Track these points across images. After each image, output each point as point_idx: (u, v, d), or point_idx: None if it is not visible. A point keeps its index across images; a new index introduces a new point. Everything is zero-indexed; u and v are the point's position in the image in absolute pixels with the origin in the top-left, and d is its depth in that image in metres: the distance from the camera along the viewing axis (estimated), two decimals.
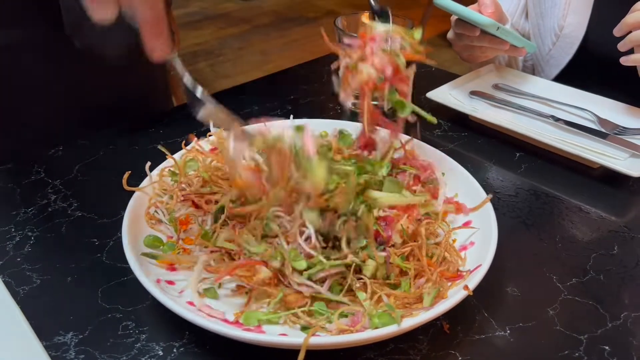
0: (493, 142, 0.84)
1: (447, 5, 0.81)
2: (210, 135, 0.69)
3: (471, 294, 0.50)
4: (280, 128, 0.57)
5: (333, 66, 0.62)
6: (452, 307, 0.49)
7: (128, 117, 0.89)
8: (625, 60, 0.81)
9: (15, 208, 0.68)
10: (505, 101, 0.90)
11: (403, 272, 0.55)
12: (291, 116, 0.76)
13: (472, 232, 0.61)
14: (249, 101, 0.93)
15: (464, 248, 0.59)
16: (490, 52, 0.92)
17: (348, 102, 0.86)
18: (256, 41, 3.56)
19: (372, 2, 0.73)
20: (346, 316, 0.51)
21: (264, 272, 0.53)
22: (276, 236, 0.55)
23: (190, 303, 0.53)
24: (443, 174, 0.67)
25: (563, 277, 0.60)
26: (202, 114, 0.55)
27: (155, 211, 0.62)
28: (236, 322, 0.51)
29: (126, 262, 0.52)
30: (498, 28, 0.81)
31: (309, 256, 0.53)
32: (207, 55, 3.33)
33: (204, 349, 0.51)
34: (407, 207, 0.59)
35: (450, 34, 0.94)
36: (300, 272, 0.53)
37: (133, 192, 0.61)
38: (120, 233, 0.56)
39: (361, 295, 0.52)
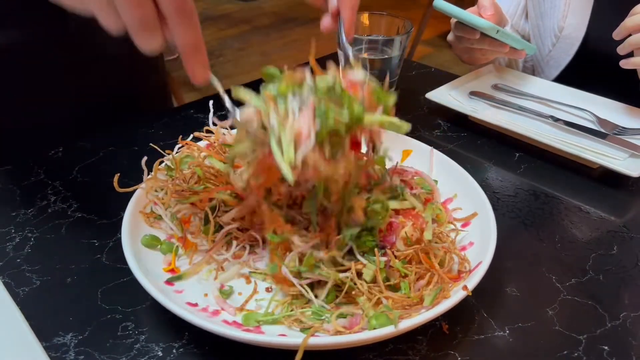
0: (492, 143, 0.84)
1: (447, 8, 0.81)
2: (208, 132, 0.69)
3: (470, 294, 0.50)
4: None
5: None
6: (451, 307, 0.49)
7: (128, 118, 0.89)
8: (625, 63, 0.81)
9: (15, 209, 0.68)
10: (504, 101, 0.90)
11: (404, 275, 0.55)
12: None
13: (471, 233, 0.61)
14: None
15: (463, 248, 0.59)
16: (491, 54, 0.92)
17: None
18: (256, 42, 3.57)
19: (350, 54, 0.72)
20: (345, 317, 0.51)
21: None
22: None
23: (191, 304, 0.53)
24: (436, 181, 0.67)
25: (562, 277, 0.60)
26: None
27: (152, 209, 0.62)
28: (235, 323, 0.51)
29: (126, 263, 0.53)
30: (498, 31, 0.81)
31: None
32: (208, 56, 3.30)
33: (203, 350, 0.51)
34: (413, 215, 0.59)
35: (450, 37, 0.94)
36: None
37: (132, 193, 0.61)
38: (120, 234, 0.56)
39: (360, 298, 0.52)
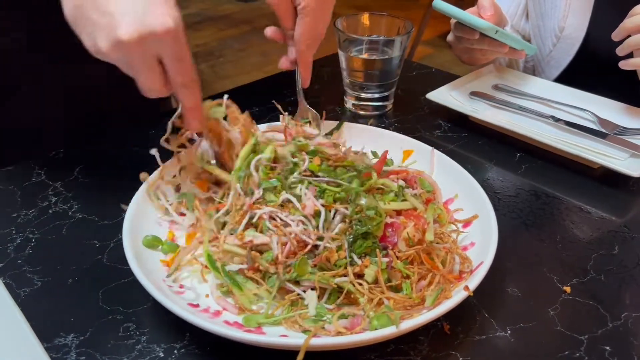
0: (493, 143, 0.84)
1: (446, 9, 0.81)
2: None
3: (471, 294, 0.50)
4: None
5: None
6: (453, 307, 0.49)
7: (128, 119, 0.89)
8: (624, 64, 0.80)
9: (16, 210, 0.68)
10: (505, 102, 0.90)
11: (406, 276, 0.55)
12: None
13: (472, 233, 0.61)
14: (249, 102, 0.93)
15: (465, 249, 0.59)
16: (490, 54, 0.92)
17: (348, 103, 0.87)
18: (256, 42, 3.57)
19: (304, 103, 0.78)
20: (346, 317, 0.51)
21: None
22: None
23: (192, 305, 0.53)
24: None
25: (563, 278, 0.60)
26: None
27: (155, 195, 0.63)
28: (236, 324, 0.51)
29: (127, 263, 0.53)
30: (497, 31, 0.81)
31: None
32: (208, 57, 3.33)
33: (204, 351, 0.51)
34: (415, 215, 0.59)
35: (450, 37, 0.94)
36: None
37: (134, 193, 0.62)
38: (121, 235, 0.56)
39: (361, 299, 0.52)
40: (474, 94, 0.91)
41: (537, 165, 0.79)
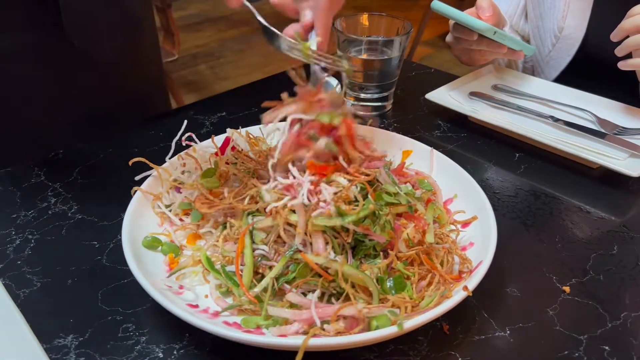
0: (492, 143, 0.84)
1: (444, 10, 0.81)
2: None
3: (470, 294, 0.50)
4: None
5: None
6: (452, 308, 0.49)
7: (127, 120, 0.89)
8: (623, 65, 0.80)
9: (16, 211, 0.68)
10: (504, 102, 0.90)
11: (406, 277, 0.55)
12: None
13: (471, 233, 0.61)
14: (249, 103, 0.93)
15: (464, 249, 0.59)
16: (489, 55, 0.92)
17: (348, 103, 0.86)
18: (256, 43, 3.56)
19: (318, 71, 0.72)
20: (345, 318, 0.51)
21: None
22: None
23: (191, 305, 0.53)
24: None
25: (563, 278, 0.60)
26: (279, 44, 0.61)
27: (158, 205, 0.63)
28: (236, 324, 0.51)
29: (126, 264, 0.53)
30: (495, 32, 0.81)
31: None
32: (208, 57, 3.34)
33: (203, 351, 0.51)
34: (415, 217, 0.59)
35: (448, 38, 0.94)
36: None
37: (134, 194, 0.62)
38: (121, 235, 0.56)
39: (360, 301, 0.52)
40: (474, 94, 0.91)
41: (536, 165, 0.79)
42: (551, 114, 0.86)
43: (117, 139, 0.83)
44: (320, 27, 0.66)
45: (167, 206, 0.64)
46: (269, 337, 0.49)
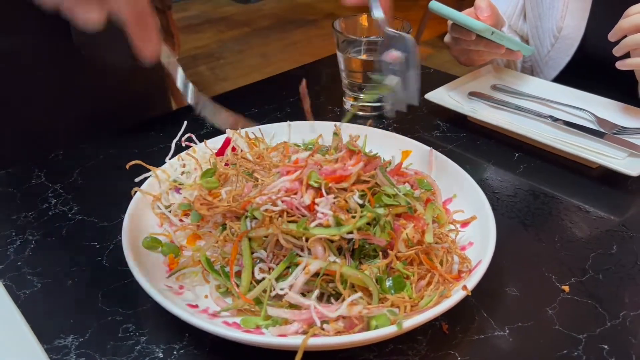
0: (492, 143, 0.84)
1: (442, 10, 0.81)
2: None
3: (469, 294, 0.50)
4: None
5: None
6: (451, 307, 0.50)
7: (127, 121, 0.89)
8: (621, 64, 0.80)
9: (16, 212, 0.68)
10: (503, 102, 0.90)
11: (406, 277, 0.55)
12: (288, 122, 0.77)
13: (470, 233, 0.61)
14: (249, 104, 0.94)
15: (463, 248, 0.59)
16: (487, 55, 0.92)
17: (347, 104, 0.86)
18: (256, 44, 3.57)
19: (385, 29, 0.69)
20: (345, 318, 0.51)
21: None
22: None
23: (191, 305, 0.53)
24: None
25: (562, 277, 0.60)
26: (204, 113, 0.56)
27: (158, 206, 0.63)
28: (235, 324, 0.51)
29: (126, 265, 0.53)
30: (492, 32, 0.82)
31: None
32: (208, 59, 3.34)
33: (203, 351, 0.51)
34: (414, 217, 0.59)
35: (447, 38, 0.95)
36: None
37: (134, 195, 0.62)
38: (121, 236, 0.56)
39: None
40: (473, 94, 0.92)
41: (535, 165, 0.79)
42: (550, 113, 0.86)
43: (118, 140, 0.83)
44: None
45: (166, 207, 0.64)
46: (269, 337, 0.50)
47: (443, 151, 0.72)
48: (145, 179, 0.65)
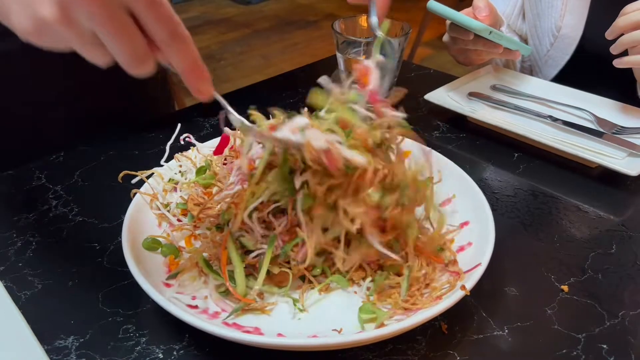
0: (491, 143, 0.84)
1: (440, 10, 0.81)
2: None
3: (468, 293, 0.50)
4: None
5: None
6: (450, 307, 0.50)
7: (129, 122, 0.89)
8: (618, 63, 0.80)
9: (17, 213, 0.68)
10: (503, 102, 0.90)
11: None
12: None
13: (469, 233, 0.61)
14: (249, 105, 0.94)
15: (462, 249, 0.59)
16: (485, 55, 0.92)
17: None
18: (257, 45, 3.58)
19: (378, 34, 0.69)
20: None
21: None
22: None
23: (191, 306, 0.53)
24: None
25: (561, 277, 0.60)
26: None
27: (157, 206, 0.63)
28: (235, 324, 0.52)
29: (127, 266, 0.53)
30: (490, 32, 0.82)
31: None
32: (208, 60, 3.35)
33: (203, 351, 0.51)
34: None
35: (445, 38, 0.95)
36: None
37: (133, 196, 0.62)
38: (121, 237, 0.57)
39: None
40: (472, 94, 0.92)
41: (535, 165, 0.80)
42: (550, 113, 0.86)
43: (119, 141, 0.83)
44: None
45: (165, 206, 0.64)
46: (269, 337, 0.50)
47: (443, 151, 0.72)
48: (144, 180, 0.65)
